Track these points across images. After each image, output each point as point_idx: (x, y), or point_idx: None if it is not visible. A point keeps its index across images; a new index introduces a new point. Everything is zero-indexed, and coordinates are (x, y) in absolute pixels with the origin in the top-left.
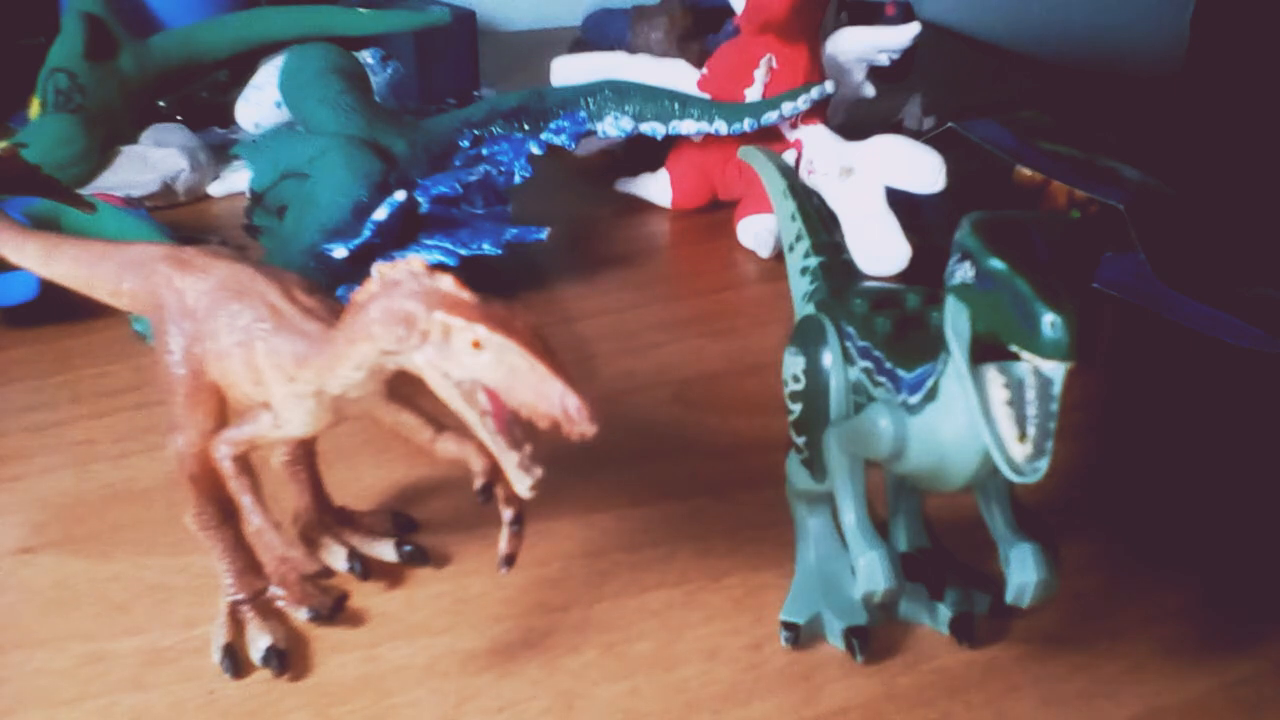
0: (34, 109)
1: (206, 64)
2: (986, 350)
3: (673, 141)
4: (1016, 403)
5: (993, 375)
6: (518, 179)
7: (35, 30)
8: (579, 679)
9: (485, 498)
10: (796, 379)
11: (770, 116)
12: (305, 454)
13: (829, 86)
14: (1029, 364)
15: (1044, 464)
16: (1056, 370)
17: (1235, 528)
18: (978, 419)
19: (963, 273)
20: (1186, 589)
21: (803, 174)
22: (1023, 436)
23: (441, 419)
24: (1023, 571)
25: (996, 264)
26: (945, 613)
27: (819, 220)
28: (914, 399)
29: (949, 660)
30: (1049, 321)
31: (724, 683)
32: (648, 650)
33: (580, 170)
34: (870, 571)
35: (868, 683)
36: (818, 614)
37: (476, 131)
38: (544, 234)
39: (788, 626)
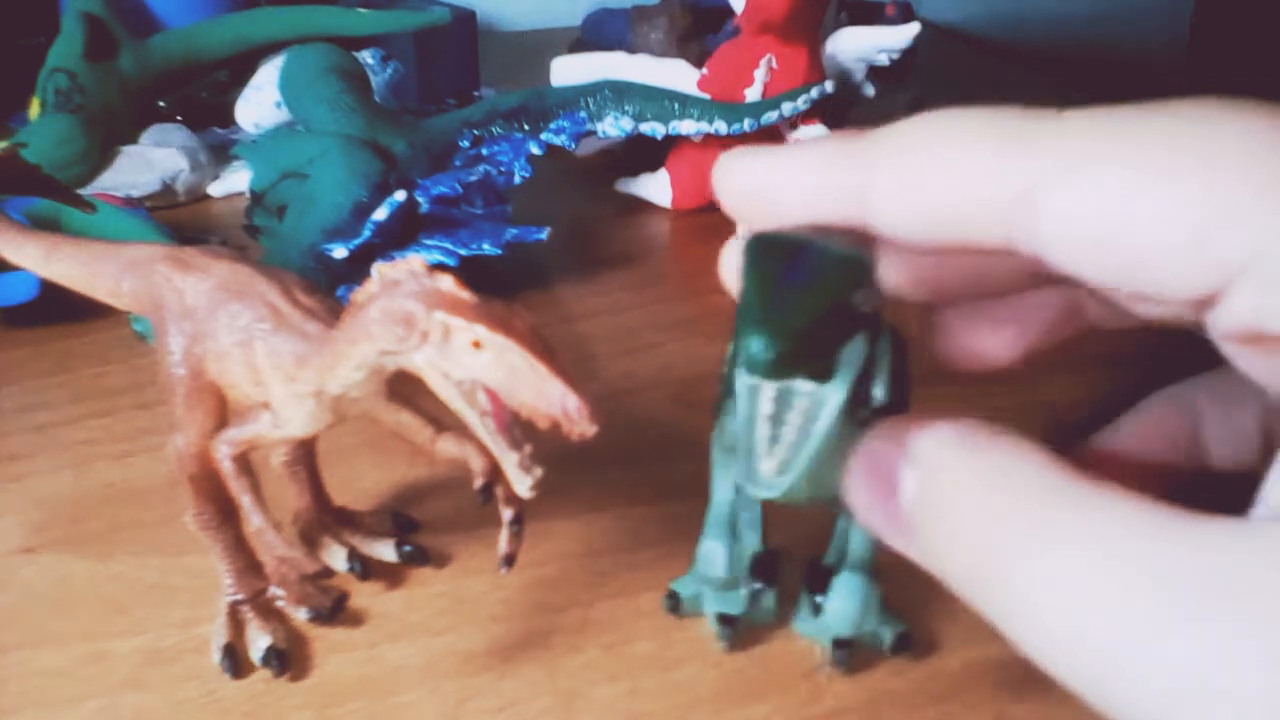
0: (34, 109)
1: (206, 64)
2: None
3: (673, 141)
4: (776, 418)
5: (766, 389)
6: (518, 179)
7: (35, 30)
8: (579, 679)
9: (485, 498)
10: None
11: (770, 116)
12: (305, 454)
13: (829, 86)
14: (808, 384)
15: (786, 482)
16: (830, 394)
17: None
18: (740, 427)
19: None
20: None
21: None
22: (771, 451)
23: (441, 419)
24: (844, 600)
25: (745, 278)
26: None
27: None
28: (726, 401)
29: (949, 660)
30: (752, 337)
31: (724, 682)
32: (648, 650)
33: (580, 170)
34: (706, 557)
35: (868, 683)
36: (701, 591)
37: (476, 131)
38: (544, 234)
39: (670, 594)
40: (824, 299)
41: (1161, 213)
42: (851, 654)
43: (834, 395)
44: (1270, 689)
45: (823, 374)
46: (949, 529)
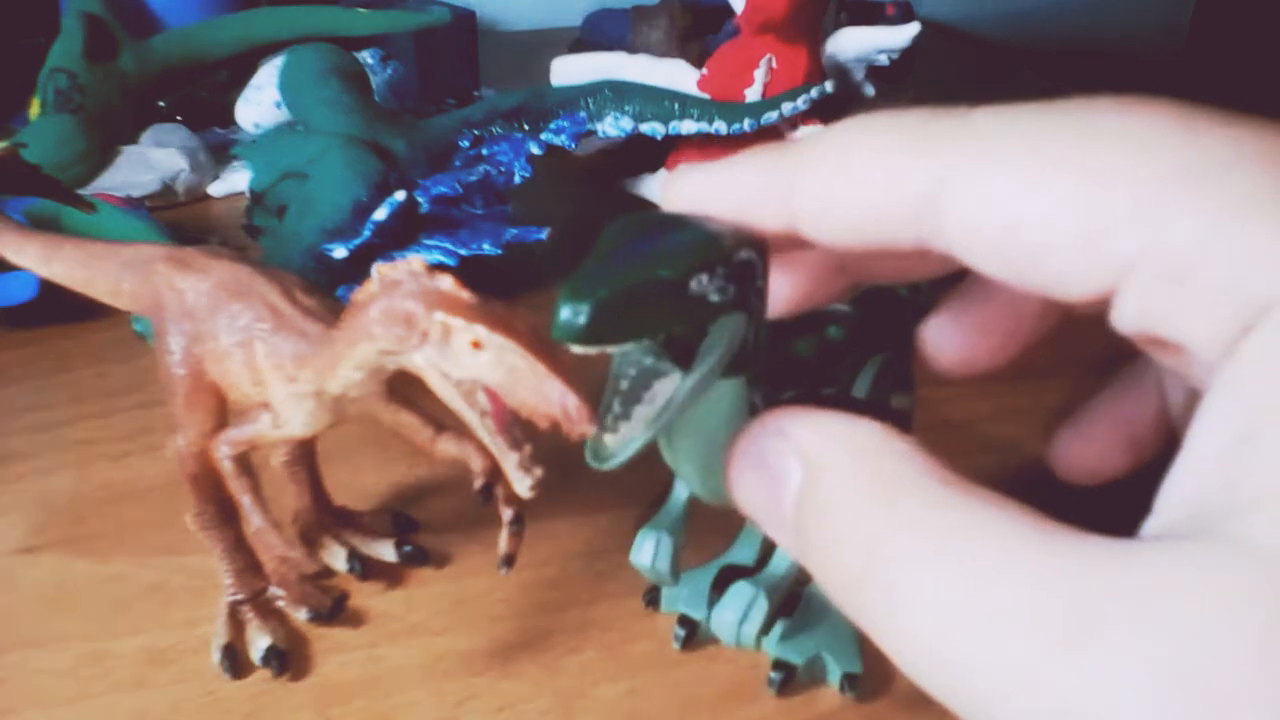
0: (34, 109)
1: (206, 64)
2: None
3: (673, 141)
4: (632, 394)
5: (631, 367)
6: (518, 179)
7: (35, 30)
8: (579, 679)
9: (485, 498)
10: None
11: (770, 116)
12: (305, 454)
13: (829, 86)
14: (674, 369)
15: (619, 459)
16: (685, 381)
17: None
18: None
19: None
20: None
21: None
22: (616, 427)
23: (441, 419)
24: (725, 608)
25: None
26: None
27: None
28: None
29: None
30: (562, 301)
31: (724, 682)
32: (648, 650)
33: (580, 170)
34: (637, 544)
35: (867, 683)
36: (680, 592)
37: (476, 131)
38: (544, 234)
39: (651, 589)
40: (641, 273)
41: (1051, 210)
42: (785, 679)
43: (685, 384)
44: (1147, 715)
45: (683, 361)
46: (828, 532)
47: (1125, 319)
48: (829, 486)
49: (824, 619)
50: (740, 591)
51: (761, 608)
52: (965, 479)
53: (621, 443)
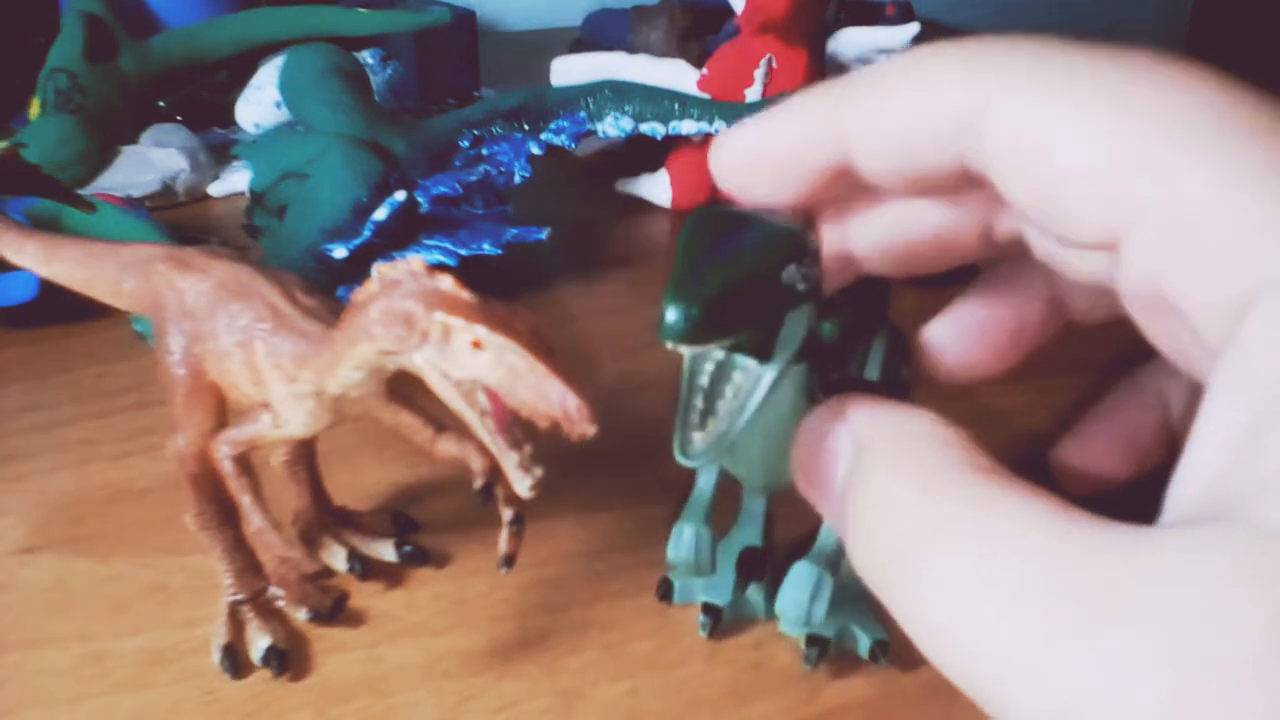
0: (34, 109)
1: (206, 64)
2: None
3: (673, 141)
4: (714, 390)
5: (708, 363)
6: (518, 179)
7: (35, 30)
8: (579, 679)
9: (485, 498)
10: None
11: None
12: (305, 454)
13: None
14: (749, 361)
15: (711, 455)
16: (765, 373)
17: None
18: (680, 396)
19: None
20: None
21: None
22: (704, 424)
23: (441, 419)
24: (791, 588)
25: (677, 249)
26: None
27: None
28: None
29: None
30: (667, 304)
31: (724, 682)
32: (648, 650)
33: (580, 170)
34: (676, 537)
35: (868, 682)
36: (695, 581)
37: (476, 131)
38: (544, 234)
39: (664, 581)
40: (742, 270)
41: (1080, 142)
42: (821, 654)
43: (767, 374)
44: (1158, 704)
45: (761, 353)
46: (866, 511)
47: (1129, 274)
48: (873, 469)
49: (849, 593)
50: (803, 572)
51: (828, 585)
52: (1003, 468)
53: (712, 438)
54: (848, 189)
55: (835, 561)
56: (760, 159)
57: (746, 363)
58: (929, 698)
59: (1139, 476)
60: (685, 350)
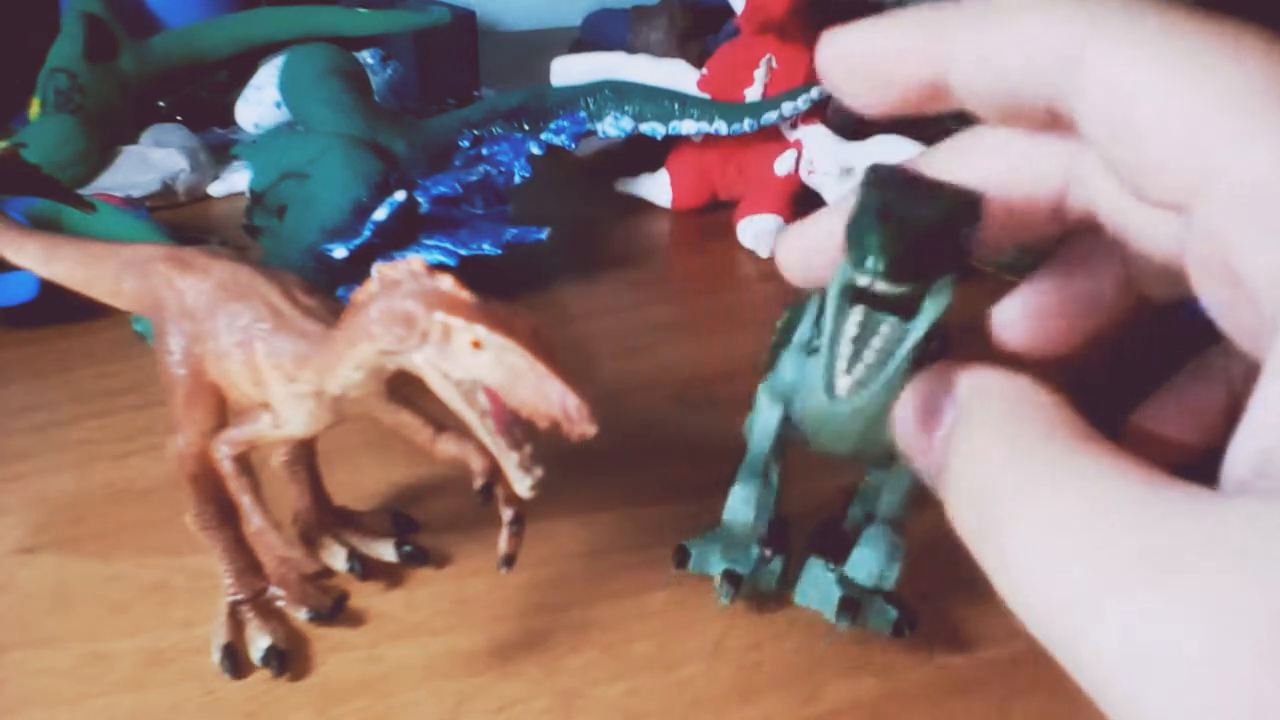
0: (34, 109)
1: (206, 64)
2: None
3: (673, 141)
4: (861, 340)
5: (854, 314)
6: (518, 179)
7: (35, 30)
8: (579, 679)
9: (485, 498)
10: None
11: (770, 116)
12: (305, 454)
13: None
14: (891, 318)
15: (861, 400)
16: (911, 330)
17: None
18: (825, 343)
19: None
20: None
21: (803, 174)
22: (850, 369)
23: (441, 419)
24: (868, 547)
25: (861, 200)
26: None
27: None
28: (816, 340)
29: (950, 660)
30: (867, 250)
31: (724, 682)
32: (648, 650)
33: (580, 170)
34: (734, 502)
35: (868, 682)
36: (712, 550)
37: (476, 131)
38: (544, 234)
39: (680, 549)
40: (936, 223)
41: (1165, 96)
42: (853, 618)
43: (913, 332)
44: (1206, 654)
45: (907, 310)
46: (963, 466)
47: (1196, 239)
48: (973, 426)
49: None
50: (879, 532)
51: (900, 547)
52: (1094, 431)
53: (857, 383)
54: (936, 106)
55: (900, 520)
56: (864, 63)
57: (890, 319)
58: (929, 698)
59: (1206, 451)
60: (882, 287)
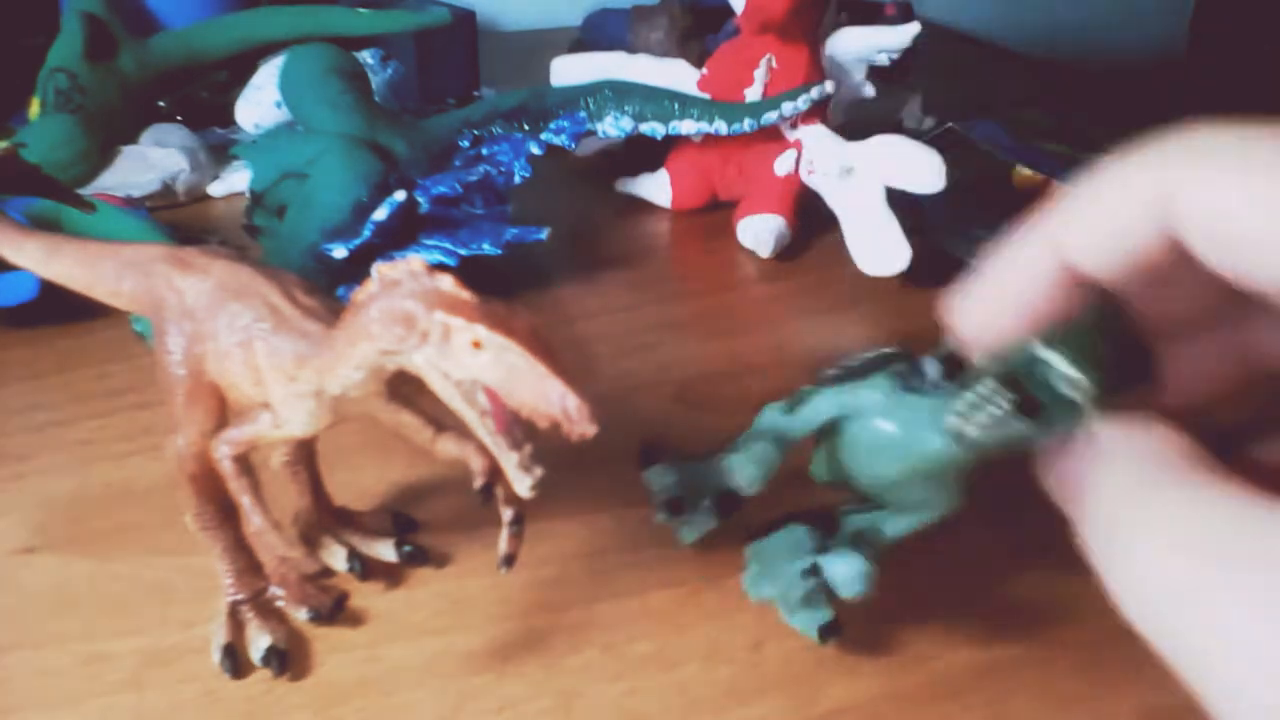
0: (34, 109)
1: (206, 64)
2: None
3: (673, 141)
4: (978, 406)
5: (986, 383)
6: (518, 179)
7: (35, 30)
8: (579, 679)
9: (485, 498)
10: None
11: (770, 116)
12: (305, 454)
13: (829, 86)
14: (1016, 419)
15: (949, 436)
16: (1030, 432)
17: None
18: (964, 390)
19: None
20: None
21: (803, 174)
22: (967, 417)
23: (441, 419)
24: (857, 558)
25: (1087, 320)
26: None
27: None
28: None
29: (949, 660)
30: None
31: (724, 682)
32: (648, 650)
33: (580, 170)
34: (743, 463)
35: (868, 683)
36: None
37: (476, 131)
38: (544, 234)
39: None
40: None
41: (1250, 207)
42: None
43: (1014, 428)
44: None
45: (1027, 409)
46: (1094, 494)
47: None
48: (1106, 461)
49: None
50: (861, 545)
51: (875, 566)
52: (1218, 464)
53: (974, 434)
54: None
55: (876, 546)
56: (998, 308)
57: (1007, 408)
58: (929, 698)
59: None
60: (986, 383)
